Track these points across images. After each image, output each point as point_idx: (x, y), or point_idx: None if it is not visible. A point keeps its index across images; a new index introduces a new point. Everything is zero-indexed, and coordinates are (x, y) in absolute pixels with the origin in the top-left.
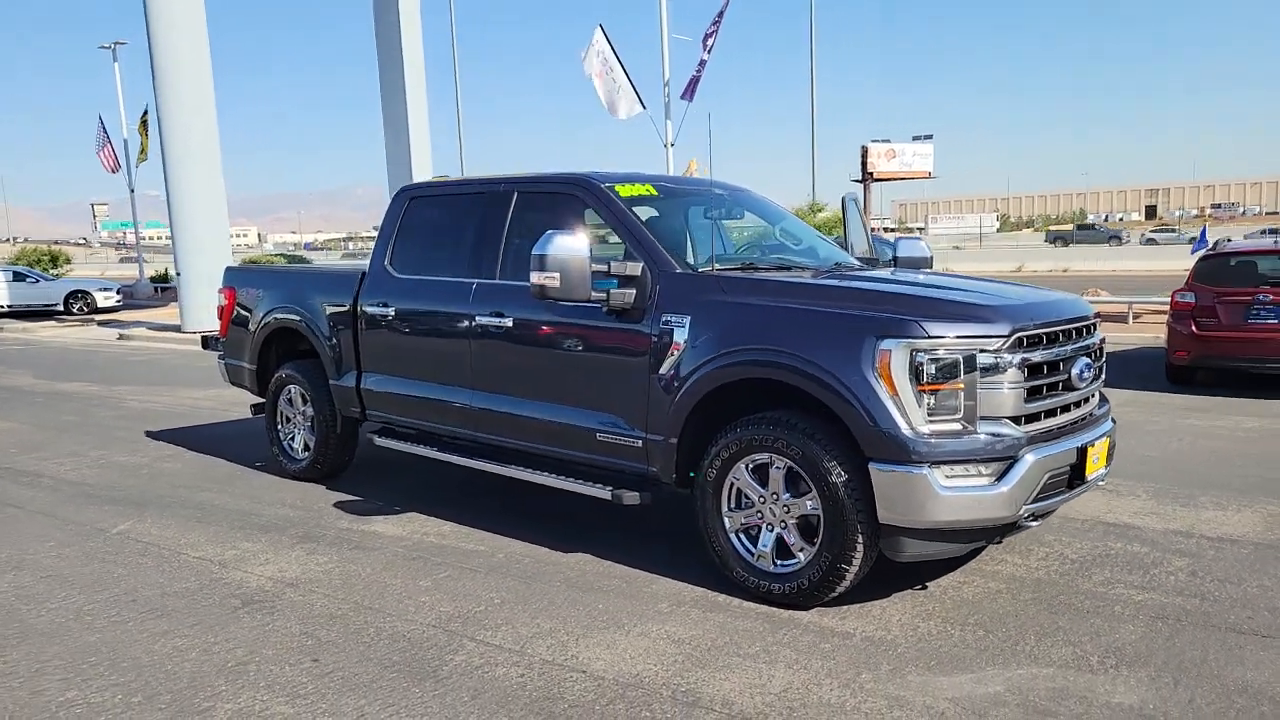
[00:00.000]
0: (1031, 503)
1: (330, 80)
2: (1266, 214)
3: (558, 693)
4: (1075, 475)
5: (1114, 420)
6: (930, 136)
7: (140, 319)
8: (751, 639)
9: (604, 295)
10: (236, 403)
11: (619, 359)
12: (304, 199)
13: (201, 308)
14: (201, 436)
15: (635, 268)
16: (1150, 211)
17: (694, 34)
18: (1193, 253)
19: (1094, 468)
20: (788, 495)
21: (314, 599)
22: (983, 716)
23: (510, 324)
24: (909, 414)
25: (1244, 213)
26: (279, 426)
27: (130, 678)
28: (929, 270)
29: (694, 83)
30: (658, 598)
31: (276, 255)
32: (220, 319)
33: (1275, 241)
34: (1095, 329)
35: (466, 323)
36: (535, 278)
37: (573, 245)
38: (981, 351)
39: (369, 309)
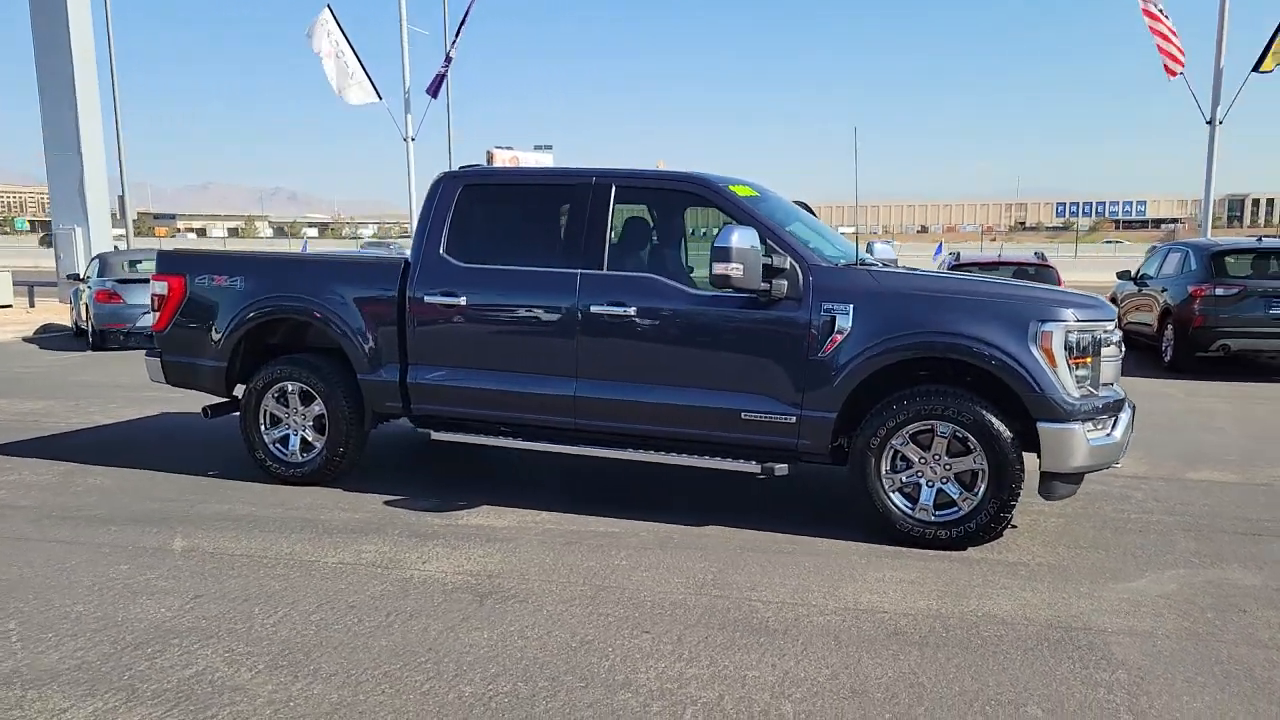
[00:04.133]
0: (1125, 448)
1: None
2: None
3: (897, 629)
4: (1132, 428)
5: None
6: (550, 146)
7: None
8: (964, 574)
9: (767, 286)
10: (29, 413)
11: (774, 344)
12: None
13: None
14: (74, 447)
15: (784, 261)
16: None
17: (429, 27)
18: (934, 260)
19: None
20: (948, 456)
21: (529, 585)
22: (1192, 602)
23: (633, 313)
24: (1064, 382)
25: None
26: (263, 428)
27: (495, 669)
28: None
29: (439, 79)
30: (840, 553)
31: None
32: (159, 310)
33: (999, 255)
34: None
35: (573, 313)
36: (719, 268)
37: (751, 239)
38: (1104, 332)
39: (429, 299)
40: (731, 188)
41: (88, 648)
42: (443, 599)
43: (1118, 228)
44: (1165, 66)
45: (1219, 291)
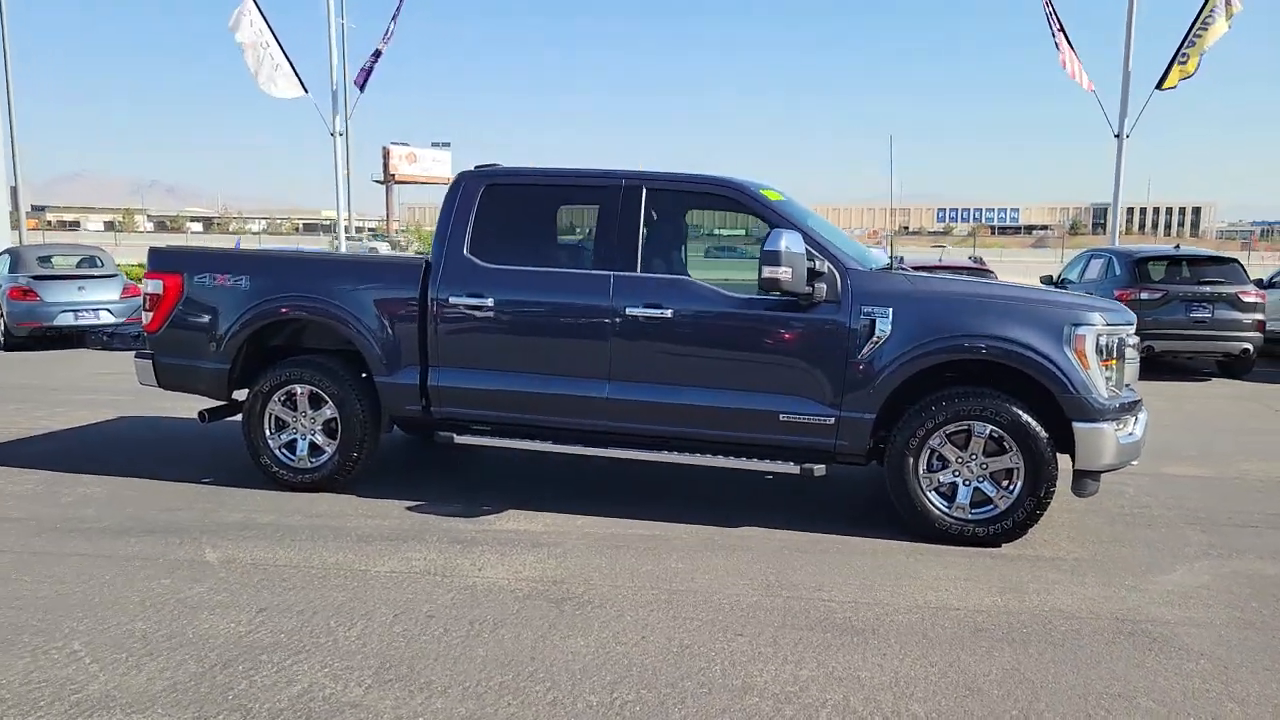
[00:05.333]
0: (1143, 445)
1: None
2: None
3: (978, 625)
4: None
5: None
6: (449, 144)
7: None
8: (1011, 571)
9: (810, 289)
10: None
11: (813, 346)
12: None
13: None
14: (40, 454)
15: (823, 264)
16: None
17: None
18: None
19: None
20: (984, 455)
21: (598, 590)
22: (1232, 592)
23: (670, 315)
24: (1096, 383)
25: None
26: (269, 433)
27: (611, 677)
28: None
29: (367, 72)
30: (884, 552)
31: None
32: (152, 310)
33: (940, 259)
34: None
35: (608, 315)
36: (769, 271)
37: (799, 243)
38: (1127, 335)
39: (454, 300)
40: (763, 191)
41: (173, 667)
42: (518, 606)
43: (993, 233)
44: (1079, 83)
45: (1143, 295)
